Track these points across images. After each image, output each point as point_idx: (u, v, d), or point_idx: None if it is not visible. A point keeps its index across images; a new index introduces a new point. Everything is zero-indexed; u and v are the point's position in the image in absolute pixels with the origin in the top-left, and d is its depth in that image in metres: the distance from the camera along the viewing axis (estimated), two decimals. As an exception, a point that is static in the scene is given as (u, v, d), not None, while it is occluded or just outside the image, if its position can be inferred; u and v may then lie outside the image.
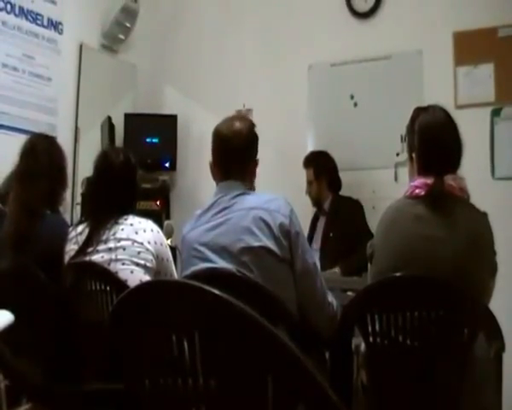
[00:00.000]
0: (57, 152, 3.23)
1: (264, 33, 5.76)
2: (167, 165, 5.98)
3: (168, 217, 5.70)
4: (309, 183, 4.88)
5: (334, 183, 4.91)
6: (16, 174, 3.12)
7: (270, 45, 5.71)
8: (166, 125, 6.00)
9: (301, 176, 4.96)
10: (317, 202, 4.92)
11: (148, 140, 5.92)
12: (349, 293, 3.12)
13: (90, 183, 3.11)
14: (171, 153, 5.97)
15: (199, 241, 2.43)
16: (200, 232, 2.45)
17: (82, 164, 5.23)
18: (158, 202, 5.72)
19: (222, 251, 2.35)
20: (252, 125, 2.61)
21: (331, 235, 4.68)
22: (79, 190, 5.02)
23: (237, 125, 2.56)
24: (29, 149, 3.15)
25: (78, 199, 5.04)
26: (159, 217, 5.16)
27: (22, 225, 2.94)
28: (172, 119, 5.98)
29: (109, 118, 5.53)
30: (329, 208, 4.84)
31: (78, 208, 5.00)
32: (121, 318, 1.39)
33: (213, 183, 2.62)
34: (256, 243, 2.31)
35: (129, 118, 5.87)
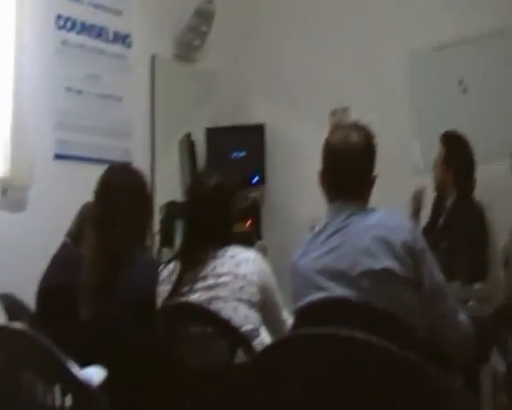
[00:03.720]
0: (138, 185, 2.82)
1: (358, 21, 5.21)
2: (255, 180, 5.56)
3: (259, 236, 5.25)
4: (435, 162, 4.31)
5: (463, 180, 4.25)
6: (93, 219, 2.75)
7: (364, 33, 5.16)
8: (253, 136, 5.62)
9: (406, 178, 4.55)
10: (438, 192, 4.34)
11: (233, 155, 5.54)
12: (471, 303, 2.99)
13: (184, 212, 2.84)
14: (259, 167, 5.57)
15: (312, 268, 2.28)
16: (313, 258, 2.30)
17: (160, 188, 4.86)
18: (248, 222, 5.25)
19: (338, 277, 2.20)
20: (370, 137, 2.40)
21: (443, 245, 4.03)
22: (157, 217, 4.66)
23: (353, 137, 2.37)
24: (104, 189, 2.76)
25: (156, 227, 4.66)
26: (249, 238, 4.74)
27: (103, 276, 2.60)
28: (259, 129, 5.58)
29: (188, 135, 5.19)
30: (449, 210, 4.25)
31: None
32: (263, 371, 1.42)
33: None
34: (377, 266, 2.14)
35: (211, 132, 5.50)
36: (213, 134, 5.50)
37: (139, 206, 2.79)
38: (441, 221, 4.31)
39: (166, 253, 4.43)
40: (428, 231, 4.25)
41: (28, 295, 2.78)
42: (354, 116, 4.86)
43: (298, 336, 1.55)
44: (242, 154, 5.57)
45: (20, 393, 1.44)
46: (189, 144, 5.13)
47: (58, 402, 1.31)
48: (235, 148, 5.55)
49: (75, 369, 1.27)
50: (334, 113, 5.30)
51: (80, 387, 1.27)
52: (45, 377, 1.36)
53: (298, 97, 5.53)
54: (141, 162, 4.55)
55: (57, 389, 1.34)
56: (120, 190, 2.75)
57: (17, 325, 1.51)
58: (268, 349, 1.44)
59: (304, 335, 1.53)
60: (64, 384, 1.31)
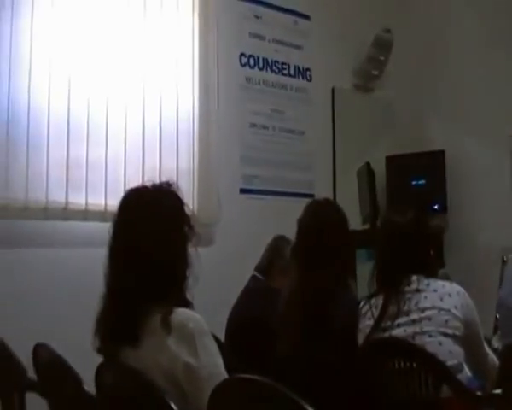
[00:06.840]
0: (340, 221, 2.80)
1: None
2: (436, 207, 5.38)
3: (442, 265, 5.10)
4: None
5: None
6: (297, 254, 2.80)
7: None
8: (433, 163, 5.44)
9: None
10: None
11: (413, 183, 5.43)
12: None
13: (383, 248, 2.77)
14: (440, 194, 5.38)
15: None
16: None
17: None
18: (431, 251, 5.13)
19: None
20: None
21: None
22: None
23: None
24: (309, 225, 2.77)
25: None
26: (432, 266, 4.63)
27: (307, 312, 2.65)
28: (439, 155, 5.39)
29: (368, 164, 5.13)
30: None
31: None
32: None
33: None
34: None
35: (390, 161, 5.43)
36: (393, 162, 5.43)
37: (342, 242, 2.76)
38: None
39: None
40: None
41: (217, 328, 2.74)
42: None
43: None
44: (422, 181, 5.44)
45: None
46: (368, 173, 5.09)
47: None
48: (416, 175, 5.44)
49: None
50: (514, 137, 5.08)
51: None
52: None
53: (477, 122, 5.33)
54: (323, 194, 4.62)
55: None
56: (325, 227, 2.73)
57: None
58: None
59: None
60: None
